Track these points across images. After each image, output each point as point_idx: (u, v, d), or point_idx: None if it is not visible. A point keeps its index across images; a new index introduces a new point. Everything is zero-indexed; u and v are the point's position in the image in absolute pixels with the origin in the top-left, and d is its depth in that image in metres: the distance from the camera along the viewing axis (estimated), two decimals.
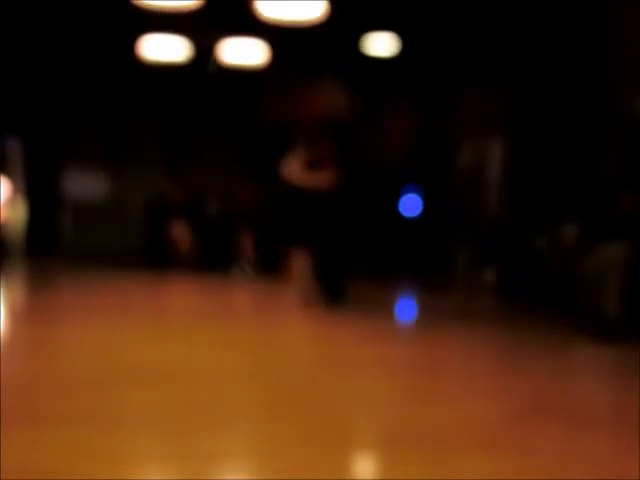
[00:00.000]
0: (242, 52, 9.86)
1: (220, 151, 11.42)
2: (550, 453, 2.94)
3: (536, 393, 3.91)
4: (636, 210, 5.86)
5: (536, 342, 5.34)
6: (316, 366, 4.45)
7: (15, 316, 6.06)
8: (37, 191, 10.93)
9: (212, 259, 10.03)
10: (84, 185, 11.32)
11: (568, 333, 5.64)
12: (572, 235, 6.57)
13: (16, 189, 10.38)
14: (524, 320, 6.47)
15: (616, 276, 5.64)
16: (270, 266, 9.54)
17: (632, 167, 6.37)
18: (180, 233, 10.09)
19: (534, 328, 6.01)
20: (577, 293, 6.00)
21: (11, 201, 10.09)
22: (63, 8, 9.03)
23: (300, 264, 6.69)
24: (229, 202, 10.52)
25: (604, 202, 6.27)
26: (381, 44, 9.72)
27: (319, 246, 6.77)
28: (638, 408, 3.63)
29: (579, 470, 2.73)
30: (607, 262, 5.75)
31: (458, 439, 3.09)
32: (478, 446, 3.02)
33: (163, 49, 9.67)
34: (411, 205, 11.36)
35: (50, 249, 10.61)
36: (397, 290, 8.98)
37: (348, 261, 7.12)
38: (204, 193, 10.59)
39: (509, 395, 3.85)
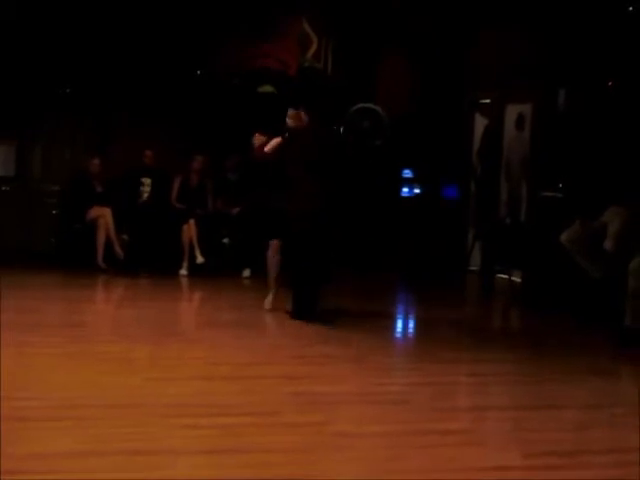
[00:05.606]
0: None
1: (157, 117, 11.29)
2: None
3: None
4: None
5: (568, 369, 5.38)
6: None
7: None
8: None
9: (147, 257, 9.95)
10: None
11: (611, 354, 5.82)
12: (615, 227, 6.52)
13: None
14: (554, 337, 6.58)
15: None
16: (222, 262, 9.79)
17: None
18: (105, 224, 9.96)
19: (566, 346, 6.12)
20: (621, 304, 6.10)
21: None
22: None
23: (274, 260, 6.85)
24: (168, 183, 10.58)
25: None
26: None
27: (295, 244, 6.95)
28: None
29: None
30: None
31: None
32: None
33: None
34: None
35: None
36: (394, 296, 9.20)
37: (327, 272, 7.20)
38: (136, 172, 10.54)
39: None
